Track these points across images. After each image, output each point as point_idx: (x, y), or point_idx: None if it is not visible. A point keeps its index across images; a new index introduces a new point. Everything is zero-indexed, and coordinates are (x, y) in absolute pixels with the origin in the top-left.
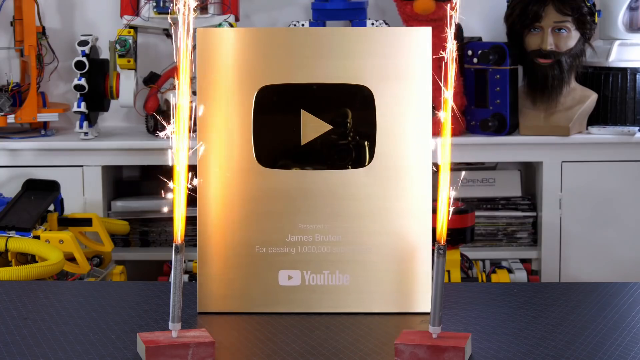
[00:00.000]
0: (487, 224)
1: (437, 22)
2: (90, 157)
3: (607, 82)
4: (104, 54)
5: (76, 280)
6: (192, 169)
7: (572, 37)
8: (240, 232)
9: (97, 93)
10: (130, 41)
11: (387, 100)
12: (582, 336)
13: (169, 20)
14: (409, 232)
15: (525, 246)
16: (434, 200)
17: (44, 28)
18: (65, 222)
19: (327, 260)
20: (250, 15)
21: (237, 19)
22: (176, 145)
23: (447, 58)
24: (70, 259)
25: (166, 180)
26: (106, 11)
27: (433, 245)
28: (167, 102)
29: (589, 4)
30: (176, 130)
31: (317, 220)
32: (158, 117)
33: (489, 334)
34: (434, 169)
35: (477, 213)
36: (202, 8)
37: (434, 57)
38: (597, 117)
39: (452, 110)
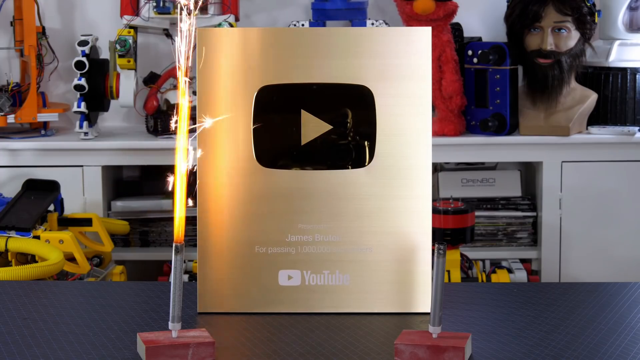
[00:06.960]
0: (487, 224)
1: (437, 22)
2: (90, 157)
3: (607, 82)
4: (104, 54)
5: (76, 280)
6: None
7: (572, 37)
8: (240, 232)
9: (97, 93)
10: (130, 41)
11: (387, 100)
12: (582, 336)
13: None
14: (409, 232)
15: (525, 246)
16: (434, 200)
17: (44, 28)
18: (65, 222)
19: (327, 260)
20: (250, 15)
21: (237, 19)
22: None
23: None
24: (70, 259)
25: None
26: (106, 11)
27: (433, 245)
28: (167, 102)
29: (589, 4)
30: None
31: (317, 220)
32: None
33: (489, 334)
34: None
35: (477, 213)
36: (202, 8)
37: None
38: (597, 117)
39: (453, 110)
